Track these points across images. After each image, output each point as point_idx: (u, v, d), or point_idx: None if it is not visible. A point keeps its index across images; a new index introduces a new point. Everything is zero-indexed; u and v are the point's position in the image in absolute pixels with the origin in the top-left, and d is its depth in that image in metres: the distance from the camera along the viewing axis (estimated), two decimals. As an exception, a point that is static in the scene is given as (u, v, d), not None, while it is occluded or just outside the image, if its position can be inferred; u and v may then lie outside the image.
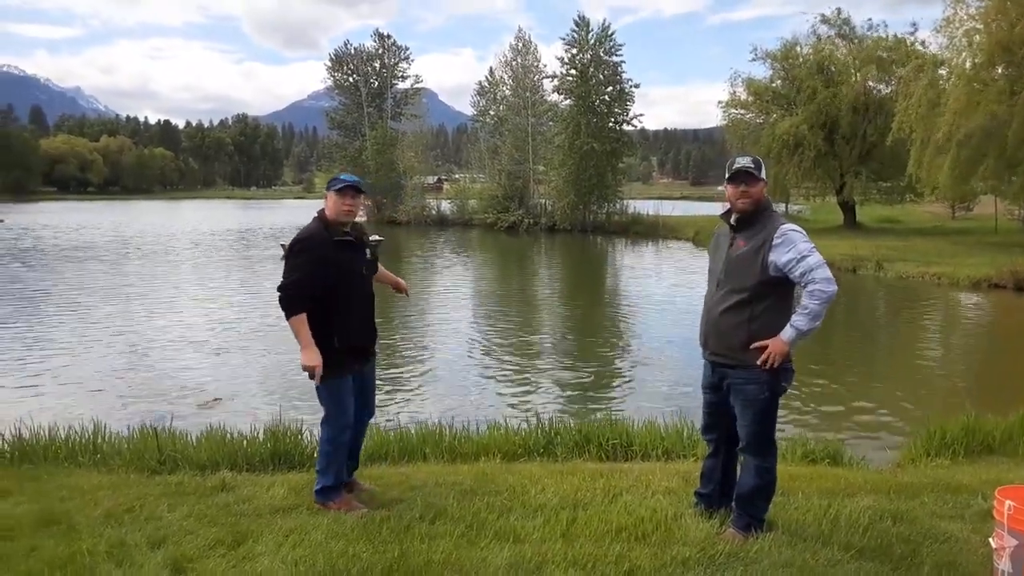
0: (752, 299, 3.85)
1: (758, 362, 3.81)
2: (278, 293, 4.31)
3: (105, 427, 6.28)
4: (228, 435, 5.95)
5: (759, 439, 3.97)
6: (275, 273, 23.58)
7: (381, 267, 4.89)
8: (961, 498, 4.72)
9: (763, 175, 3.91)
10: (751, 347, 3.84)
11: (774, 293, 3.84)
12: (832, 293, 3.69)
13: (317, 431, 6.03)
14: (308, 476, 5.03)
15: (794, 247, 3.74)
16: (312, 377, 4.28)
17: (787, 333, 3.75)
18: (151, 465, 5.49)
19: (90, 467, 5.62)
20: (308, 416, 8.04)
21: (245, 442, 5.82)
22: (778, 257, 3.76)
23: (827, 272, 3.71)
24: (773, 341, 3.78)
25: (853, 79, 35.19)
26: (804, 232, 3.82)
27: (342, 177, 4.50)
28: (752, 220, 3.90)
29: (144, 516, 4.37)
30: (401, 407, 9.41)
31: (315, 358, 4.23)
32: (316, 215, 4.51)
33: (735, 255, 3.93)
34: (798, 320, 3.73)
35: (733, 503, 4.14)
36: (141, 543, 3.93)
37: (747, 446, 4.02)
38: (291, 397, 9.62)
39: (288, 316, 4.27)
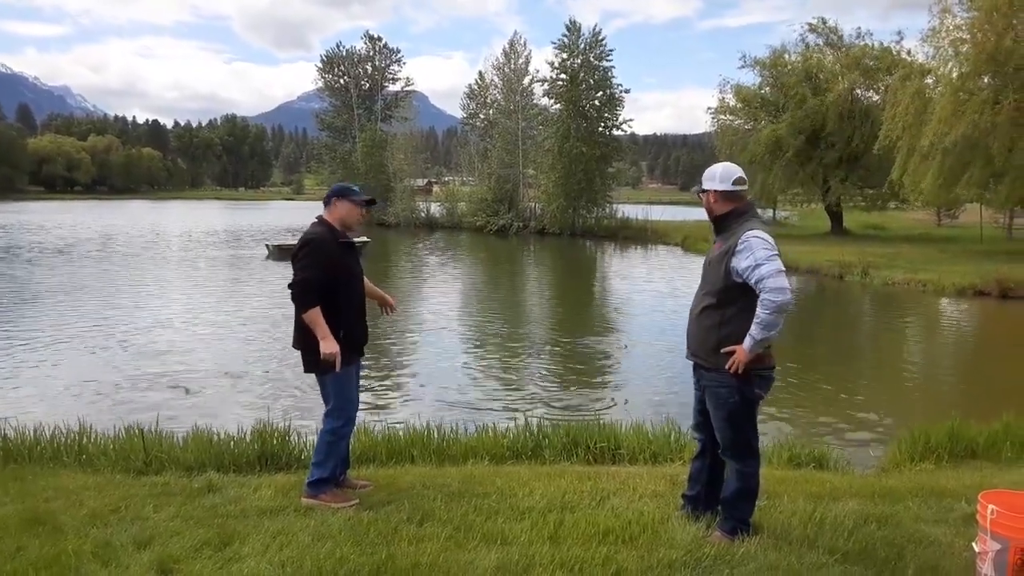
0: (720, 303, 3.92)
1: (726, 367, 3.86)
2: (290, 290, 4.51)
3: (91, 427, 6.24)
4: (215, 436, 5.93)
5: (734, 443, 4.02)
6: (261, 275, 23.56)
7: (367, 280, 5.01)
8: (945, 502, 4.76)
9: (711, 187, 3.99)
10: (721, 351, 3.89)
11: (742, 299, 3.85)
12: (782, 302, 3.67)
13: (304, 432, 6.10)
14: (295, 478, 5.03)
15: (752, 254, 3.76)
16: (331, 365, 4.46)
17: (746, 342, 3.78)
18: (137, 466, 5.47)
19: (75, 467, 5.58)
20: (295, 414, 8.08)
21: (232, 443, 5.79)
22: (738, 263, 3.80)
23: (780, 281, 3.69)
24: (739, 348, 3.82)
25: (839, 86, 35.48)
26: (768, 239, 3.82)
27: (357, 189, 4.81)
28: (725, 225, 3.98)
29: (130, 517, 4.35)
30: (389, 409, 9.39)
31: (335, 345, 4.44)
32: (317, 219, 4.74)
33: (708, 259, 4.06)
34: (753, 329, 3.75)
35: (719, 506, 4.17)
36: (127, 544, 3.91)
37: (725, 449, 4.08)
38: (278, 398, 9.60)
39: (304, 310, 4.47)
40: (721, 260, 3.89)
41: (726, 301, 3.89)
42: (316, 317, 4.44)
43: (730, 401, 3.93)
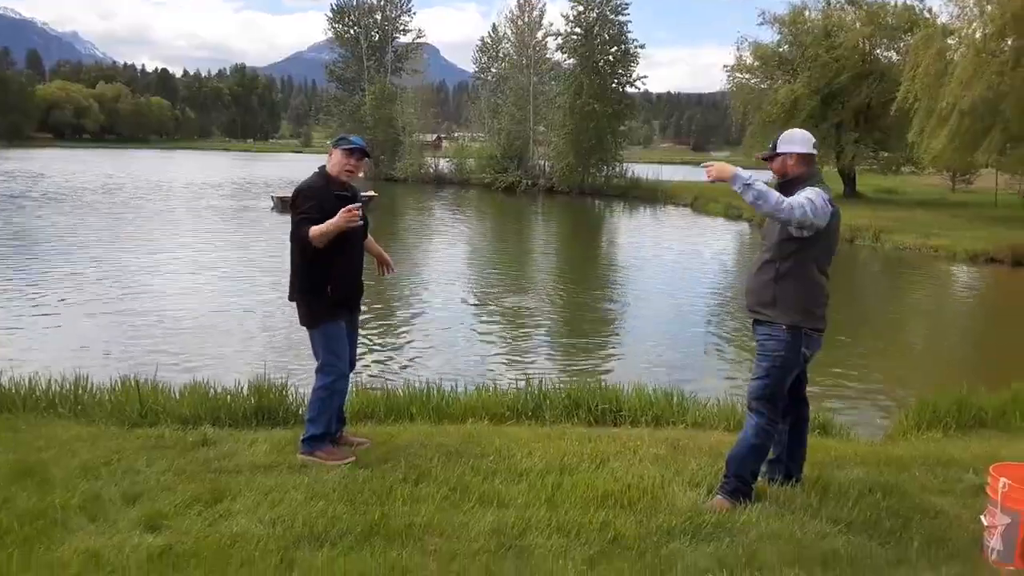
0: (776, 258, 3.99)
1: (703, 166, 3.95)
2: (299, 242, 4.39)
3: (87, 378, 6.17)
4: (212, 390, 5.85)
5: (768, 394, 3.99)
6: (266, 226, 23.41)
7: (370, 236, 4.86)
8: (952, 472, 4.66)
9: (793, 149, 4.05)
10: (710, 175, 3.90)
11: (797, 254, 3.92)
12: (778, 209, 3.67)
13: (302, 387, 6.01)
14: (292, 433, 4.96)
15: (802, 193, 3.83)
16: (355, 218, 4.26)
17: (739, 171, 3.72)
18: (132, 418, 5.39)
19: (70, 418, 5.52)
20: (294, 369, 7.98)
21: (229, 397, 5.72)
22: None
23: (792, 208, 3.68)
24: (726, 167, 3.82)
25: (857, 44, 34.74)
26: (823, 196, 3.83)
27: (351, 138, 4.62)
28: (790, 189, 3.96)
29: (121, 470, 4.29)
30: (389, 366, 9.35)
31: (343, 214, 4.23)
32: (318, 169, 4.63)
33: (767, 224, 4.19)
34: (751, 177, 3.70)
35: (724, 465, 4.09)
36: (116, 498, 3.84)
37: (754, 400, 4.04)
38: (278, 351, 9.55)
39: (310, 243, 4.31)
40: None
41: (781, 256, 3.96)
42: (318, 231, 4.23)
43: (777, 353, 3.95)
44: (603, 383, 6.81)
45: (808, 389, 4.38)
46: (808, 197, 3.78)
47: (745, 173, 3.72)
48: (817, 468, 4.51)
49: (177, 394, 5.87)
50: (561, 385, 6.75)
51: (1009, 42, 24.82)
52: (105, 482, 4.08)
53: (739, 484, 3.99)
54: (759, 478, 4.16)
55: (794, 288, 3.93)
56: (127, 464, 4.38)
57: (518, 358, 9.96)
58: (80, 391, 5.95)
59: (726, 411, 6.09)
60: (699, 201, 35.60)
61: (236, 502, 3.82)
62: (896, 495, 4.18)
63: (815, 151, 4.10)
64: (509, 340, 10.98)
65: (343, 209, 4.25)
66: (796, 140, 4.09)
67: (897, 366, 10.10)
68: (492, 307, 13.32)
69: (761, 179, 3.74)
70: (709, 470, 4.39)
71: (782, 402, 4.07)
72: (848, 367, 9.69)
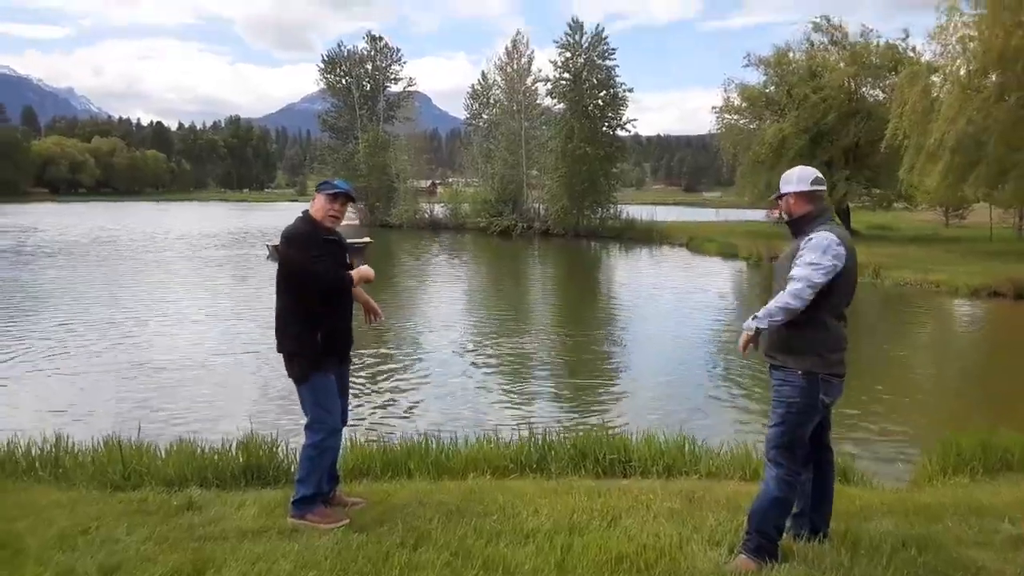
0: None
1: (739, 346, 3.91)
2: (324, 288, 4.25)
3: (68, 438, 5.88)
4: (199, 448, 5.57)
5: (786, 443, 3.78)
6: (261, 276, 23.17)
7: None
8: (986, 522, 4.38)
9: (789, 189, 3.96)
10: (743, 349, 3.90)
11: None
12: (791, 307, 3.67)
13: (293, 443, 5.72)
14: (282, 493, 4.67)
15: (805, 256, 3.73)
16: (367, 274, 4.41)
17: (746, 323, 3.81)
18: (114, 480, 5.11)
19: (50, 482, 5.24)
20: (285, 424, 7.68)
21: (216, 456, 5.43)
22: (799, 261, 3.75)
23: (802, 290, 3.65)
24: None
25: (843, 83, 35.13)
26: (831, 243, 3.70)
27: (336, 183, 4.46)
28: (800, 227, 3.92)
29: (100, 539, 4.00)
30: (386, 419, 9.01)
31: (356, 272, 4.37)
32: (302, 214, 4.43)
33: (778, 261, 4.06)
34: (760, 312, 3.77)
35: (746, 520, 3.82)
36: (92, 571, 3.56)
37: (772, 448, 3.82)
38: (269, 405, 9.25)
39: (347, 286, 4.31)
40: (789, 262, 3.86)
41: None
42: (356, 275, 4.32)
43: (792, 399, 3.77)
44: (610, 431, 6.54)
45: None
46: (809, 262, 3.67)
47: (747, 322, 3.80)
48: (843, 520, 4.23)
49: (163, 453, 5.59)
50: (566, 434, 6.45)
51: (993, 77, 25.07)
52: (81, 553, 3.78)
53: (763, 541, 3.71)
54: (783, 534, 3.89)
55: (806, 333, 3.76)
56: (106, 532, 4.09)
57: (520, 406, 9.65)
58: (61, 453, 5.67)
59: (741, 459, 5.81)
60: (695, 241, 35.60)
61: (220, 574, 3.53)
62: (931, 549, 3.90)
63: (817, 187, 3.93)
64: (510, 387, 10.68)
65: (363, 273, 4.39)
66: (793, 180, 3.99)
67: (912, 405, 9.81)
68: (491, 353, 13.03)
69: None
70: (729, 525, 4.11)
71: (802, 450, 3.83)
72: (862, 407, 9.36)
